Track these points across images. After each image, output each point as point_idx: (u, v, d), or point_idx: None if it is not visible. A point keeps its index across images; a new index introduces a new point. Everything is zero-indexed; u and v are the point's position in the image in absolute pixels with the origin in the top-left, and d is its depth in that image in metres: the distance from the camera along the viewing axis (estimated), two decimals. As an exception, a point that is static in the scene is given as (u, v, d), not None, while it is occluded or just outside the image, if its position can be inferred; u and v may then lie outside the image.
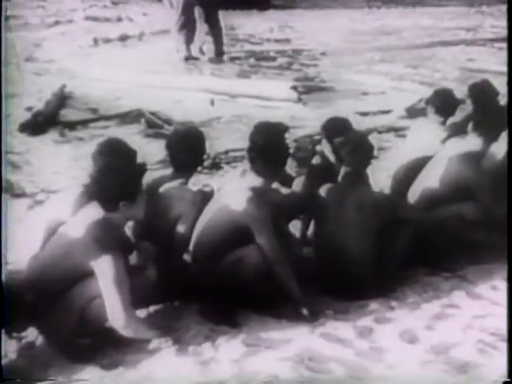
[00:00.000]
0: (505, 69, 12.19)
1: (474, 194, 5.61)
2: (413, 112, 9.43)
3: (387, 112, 9.93)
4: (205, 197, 5.10)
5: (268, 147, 4.91)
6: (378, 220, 5.05)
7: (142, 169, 4.53)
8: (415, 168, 5.96)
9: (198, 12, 12.86)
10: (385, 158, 7.33)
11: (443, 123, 6.34)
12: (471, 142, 5.74)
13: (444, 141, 6.00)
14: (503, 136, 5.85)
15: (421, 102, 9.16)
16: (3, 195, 5.88)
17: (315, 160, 5.56)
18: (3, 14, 9.16)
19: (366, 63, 12.98)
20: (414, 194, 5.85)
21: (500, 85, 9.85)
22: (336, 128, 5.64)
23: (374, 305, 4.95)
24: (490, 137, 5.73)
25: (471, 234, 5.60)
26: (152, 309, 4.89)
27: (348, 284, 5.00)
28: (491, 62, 12.61)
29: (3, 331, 4.41)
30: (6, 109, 5.19)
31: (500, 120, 5.80)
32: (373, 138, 8.64)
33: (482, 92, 6.61)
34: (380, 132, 9.07)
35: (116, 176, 4.35)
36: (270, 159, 4.89)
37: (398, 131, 8.91)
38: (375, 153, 7.31)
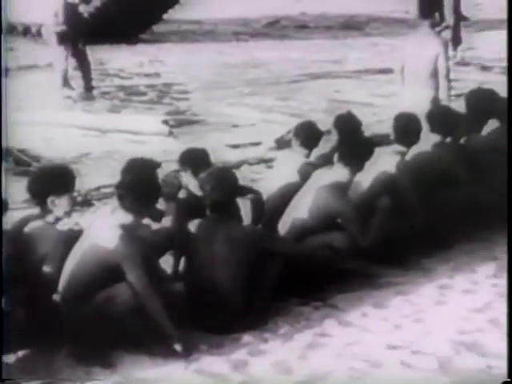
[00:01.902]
0: (371, 100, 12.60)
1: (341, 223, 5.74)
2: (282, 143, 9.56)
3: (257, 144, 10.04)
4: (72, 235, 5.01)
5: (137, 184, 4.88)
6: (248, 253, 5.08)
7: None
8: (284, 198, 6.05)
9: (65, 47, 12.72)
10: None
11: (307, 156, 6.47)
12: (337, 173, 5.87)
13: (309, 172, 6.12)
14: (368, 165, 6.02)
15: (289, 134, 9.30)
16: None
17: (182, 194, 5.57)
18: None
19: (236, 96, 13.11)
20: (284, 225, 5.93)
21: (366, 115, 10.18)
22: (193, 159, 5.67)
23: (247, 337, 4.97)
24: (355, 167, 5.87)
25: (340, 262, 5.72)
26: (21, 353, 4.76)
27: (220, 318, 5.00)
28: (357, 94, 12.96)
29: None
30: None
31: (364, 150, 5.96)
32: (244, 170, 8.82)
33: (346, 123, 6.80)
34: (251, 164, 9.16)
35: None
36: (139, 196, 4.85)
37: (268, 162, 9.00)
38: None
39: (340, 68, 15.76)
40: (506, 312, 4.86)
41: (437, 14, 7.71)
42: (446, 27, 15.81)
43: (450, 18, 15.78)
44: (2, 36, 9.27)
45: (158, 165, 5.34)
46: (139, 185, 4.89)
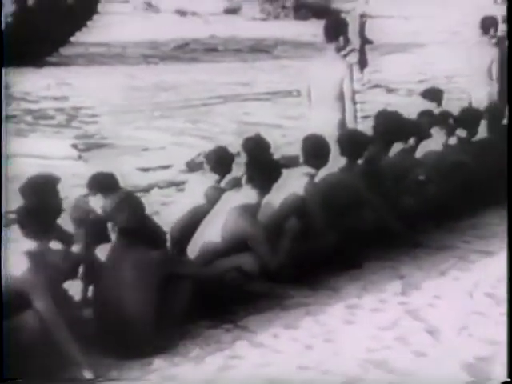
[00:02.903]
0: (280, 121, 12.72)
1: (250, 245, 5.77)
2: (192, 166, 9.58)
3: (167, 167, 10.03)
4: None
5: (37, 206, 4.80)
6: (156, 277, 5.05)
7: None
8: (193, 222, 6.06)
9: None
10: (168, 214, 7.37)
11: (219, 181, 6.48)
12: (246, 195, 5.91)
13: (216, 195, 6.14)
14: (277, 187, 6.08)
15: (200, 156, 9.32)
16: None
17: (91, 219, 5.52)
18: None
19: (146, 119, 13.08)
20: (193, 249, 5.92)
21: (275, 137, 10.28)
22: (101, 184, 5.63)
23: (158, 362, 4.93)
24: (262, 189, 5.91)
25: (250, 284, 5.74)
26: None
27: (130, 343, 4.95)
28: (266, 116, 13.08)
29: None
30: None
31: (271, 172, 6.01)
32: (154, 194, 8.79)
33: (254, 146, 6.85)
34: (161, 187, 9.13)
35: None
36: (39, 219, 4.76)
37: (178, 186, 9.00)
38: (156, 208, 7.44)
39: (249, 90, 15.90)
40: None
41: (342, 38, 7.79)
42: (353, 50, 16.15)
43: (356, 42, 16.11)
44: None
45: (57, 180, 5.25)
46: (39, 207, 4.79)
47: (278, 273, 5.86)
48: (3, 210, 4.99)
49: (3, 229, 5.15)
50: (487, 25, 9.79)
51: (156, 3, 32.59)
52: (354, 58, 16.07)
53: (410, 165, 7.46)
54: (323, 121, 7.57)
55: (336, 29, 7.79)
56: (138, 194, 6.72)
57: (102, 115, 13.38)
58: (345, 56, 15.41)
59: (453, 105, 9.86)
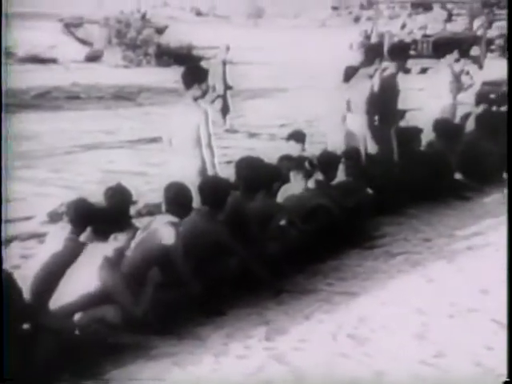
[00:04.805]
0: (144, 169, 12.67)
1: (112, 296, 5.70)
2: (54, 217, 9.41)
3: (29, 218, 9.81)
4: None
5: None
6: (17, 330, 4.93)
7: None
8: (54, 274, 5.95)
9: None
10: (28, 267, 7.21)
11: (78, 233, 6.37)
12: (108, 246, 5.86)
13: (75, 246, 6.07)
14: (140, 236, 6.06)
15: (62, 207, 9.17)
16: None
17: None
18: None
19: (7, 170, 12.76)
20: (56, 301, 5.81)
21: (139, 184, 10.25)
22: None
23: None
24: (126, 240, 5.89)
25: (114, 336, 5.66)
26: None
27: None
28: (130, 163, 13.01)
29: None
30: None
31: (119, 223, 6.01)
32: (14, 247, 8.57)
33: (115, 195, 6.82)
34: (22, 239, 8.92)
35: None
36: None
37: (40, 237, 8.81)
38: (16, 262, 7.26)
39: (113, 138, 15.78)
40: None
41: (201, 85, 7.85)
42: (218, 96, 16.31)
43: (220, 88, 16.28)
44: None
45: None
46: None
47: (142, 323, 5.81)
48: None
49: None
50: (348, 73, 10.15)
51: (14, 51, 32.06)
52: (219, 104, 16.25)
53: (272, 210, 7.56)
54: (184, 168, 7.60)
55: (194, 76, 7.86)
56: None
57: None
58: (212, 102, 15.60)
59: (314, 148, 10.12)
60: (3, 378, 4.26)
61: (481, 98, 12.75)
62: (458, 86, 12.54)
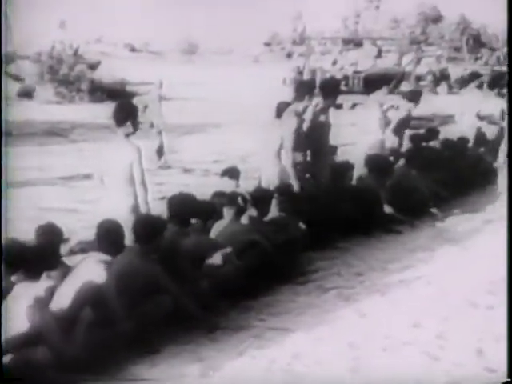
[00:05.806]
0: (76, 206, 12.57)
1: (43, 337, 5.63)
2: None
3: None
4: None
5: None
6: None
7: None
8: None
9: None
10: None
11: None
12: (38, 286, 5.79)
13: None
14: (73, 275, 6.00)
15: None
16: None
17: None
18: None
19: None
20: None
21: (71, 222, 10.15)
22: None
23: None
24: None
25: (45, 377, 5.58)
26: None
27: None
28: (62, 200, 12.90)
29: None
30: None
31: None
32: None
33: (45, 234, 6.77)
34: None
35: None
36: None
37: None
38: None
39: (45, 175, 15.63)
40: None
41: (131, 122, 7.83)
42: (160, 133, 16.31)
43: (160, 123, 16.28)
44: None
45: None
46: None
47: (73, 363, 5.74)
48: None
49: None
50: (281, 109, 10.24)
51: None
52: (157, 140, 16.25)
53: (205, 246, 7.56)
54: (117, 205, 7.55)
55: (125, 113, 7.84)
56: None
57: None
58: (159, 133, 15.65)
59: (248, 184, 10.16)
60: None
61: (411, 136, 12.96)
62: (386, 121, 12.75)
